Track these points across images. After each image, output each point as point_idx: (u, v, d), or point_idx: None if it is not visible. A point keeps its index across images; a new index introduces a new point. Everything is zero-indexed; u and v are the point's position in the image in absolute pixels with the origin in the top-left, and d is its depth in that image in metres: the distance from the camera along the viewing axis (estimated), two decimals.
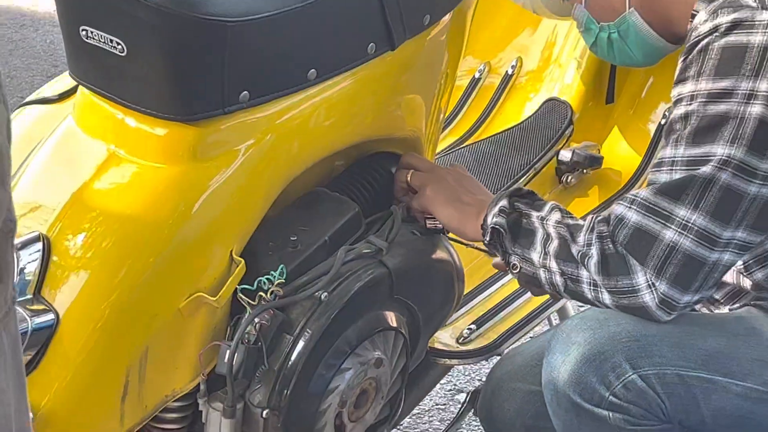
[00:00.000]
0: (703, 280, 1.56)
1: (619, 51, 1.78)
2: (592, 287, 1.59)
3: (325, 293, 1.55)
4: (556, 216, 1.63)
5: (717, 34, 1.57)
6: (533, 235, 1.63)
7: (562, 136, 2.23)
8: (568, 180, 2.21)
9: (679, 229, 1.55)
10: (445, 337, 1.90)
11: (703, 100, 1.56)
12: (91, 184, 1.49)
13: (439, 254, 1.72)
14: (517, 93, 2.32)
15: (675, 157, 1.57)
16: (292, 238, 1.58)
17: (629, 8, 1.74)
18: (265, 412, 1.54)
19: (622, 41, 1.77)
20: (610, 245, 1.58)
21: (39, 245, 1.45)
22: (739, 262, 1.66)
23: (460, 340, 1.91)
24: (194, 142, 1.47)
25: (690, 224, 1.54)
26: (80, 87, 1.54)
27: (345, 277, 1.58)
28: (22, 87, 3.96)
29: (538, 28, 2.34)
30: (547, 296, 1.97)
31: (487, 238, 1.66)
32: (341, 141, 1.64)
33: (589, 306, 1.66)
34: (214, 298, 1.49)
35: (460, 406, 2.06)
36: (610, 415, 1.57)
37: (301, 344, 1.54)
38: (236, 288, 1.52)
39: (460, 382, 2.51)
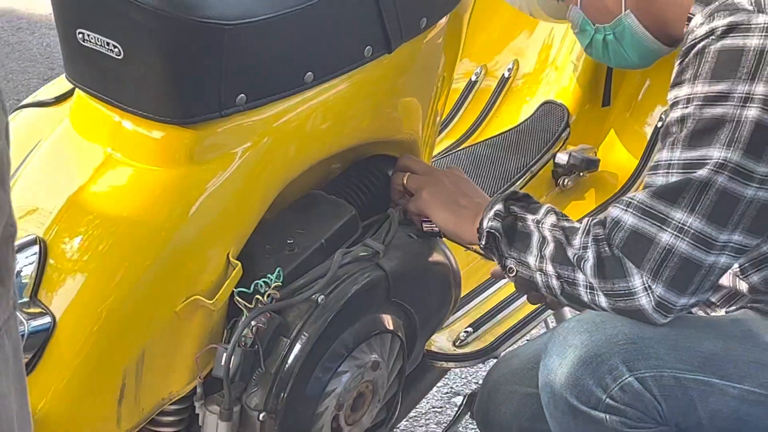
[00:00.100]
0: (700, 283, 1.56)
1: (614, 53, 1.79)
2: (588, 290, 1.60)
3: (322, 296, 1.56)
4: (551, 219, 1.63)
5: (713, 37, 1.57)
6: (529, 239, 1.63)
7: (559, 138, 2.23)
8: (565, 183, 2.21)
9: (675, 232, 1.55)
10: (441, 340, 1.90)
11: (700, 103, 1.56)
12: (88, 187, 1.49)
13: (436, 257, 1.72)
14: (514, 96, 2.32)
15: (671, 160, 1.57)
16: (288, 241, 1.58)
17: (625, 10, 1.74)
18: (261, 415, 1.54)
19: (618, 43, 1.77)
20: (606, 248, 1.58)
21: (36, 248, 1.45)
22: (735, 265, 1.66)
23: (456, 343, 1.91)
24: (191, 144, 1.48)
25: (686, 227, 1.55)
26: (77, 90, 1.54)
27: (342, 280, 1.58)
28: (18, 90, 3.97)
29: (534, 31, 2.34)
30: None
31: (483, 242, 1.66)
32: (338, 144, 1.64)
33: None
34: (211, 301, 1.49)
35: (456, 409, 2.06)
36: (607, 417, 1.57)
37: (297, 347, 1.54)
38: (233, 291, 1.52)
39: (457, 385, 2.51)
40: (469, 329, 1.93)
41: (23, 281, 1.45)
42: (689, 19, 1.65)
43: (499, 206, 1.66)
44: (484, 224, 1.66)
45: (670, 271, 1.55)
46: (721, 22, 1.57)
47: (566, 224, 1.62)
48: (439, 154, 2.22)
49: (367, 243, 1.63)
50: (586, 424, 1.58)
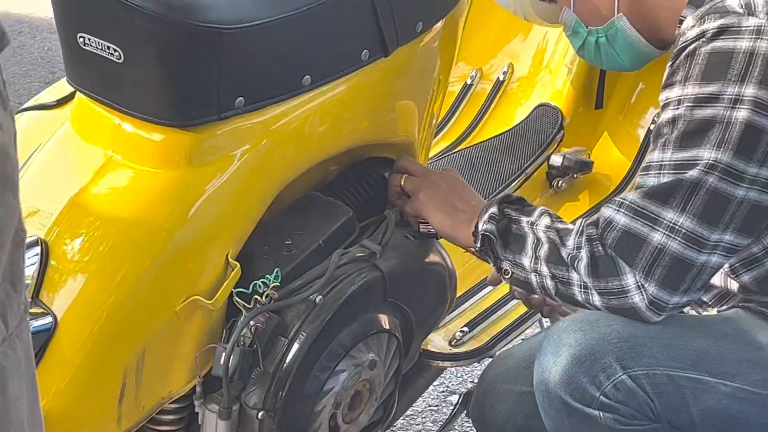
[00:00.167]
0: (691, 282, 1.57)
1: (607, 55, 1.79)
2: (582, 289, 1.60)
3: (320, 296, 1.56)
4: (545, 221, 1.64)
5: (704, 39, 1.58)
6: (524, 240, 1.64)
7: (553, 141, 2.24)
8: (559, 184, 2.22)
9: (666, 232, 1.55)
10: (437, 340, 1.90)
11: (690, 104, 1.57)
12: (89, 188, 1.49)
13: (432, 258, 1.73)
14: (509, 99, 2.33)
15: (663, 161, 1.57)
16: (287, 242, 1.58)
17: (618, 13, 1.74)
18: (260, 414, 1.54)
19: (610, 46, 1.77)
20: (600, 248, 1.58)
21: (37, 249, 1.45)
22: (726, 265, 1.67)
23: (452, 343, 1.91)
24: (190, 147, 1.48)
25: (678, 227, 1.55)
26: (78, 93, 1.54)
27: (339, 281, 1.58)
28: (20, 93, 3.96)
29: (529, 35, 2.34)
30: None
31: (479, 245, 1.67)
32: (335, 146, 1.65)
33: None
34: (210, 302, 1.49)
35: (452, 407, 2.06)
36: (601, 414, 1.57)
37: (296, 347, 1.54)
38: (232, 291, 1.52)
39: (453, 384, 2.51)
40: (465, 329, 1.94)
41: (25, 282, 1.45)
42: (680, 22, 1.65)
43: (493, 209, 1.66)
44: (480, 227, 1.66)
45: (662, 270, 1.55)
46: (711, 25, 1.58)
47: (560, 226, 1.63)
48: (435, 156, 2.23)
49: (364, 244, 1.64)
50: (580, 421, 1.58)
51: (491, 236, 1.65)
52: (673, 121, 1.58)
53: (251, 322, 1.51)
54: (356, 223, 1.66)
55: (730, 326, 1.66)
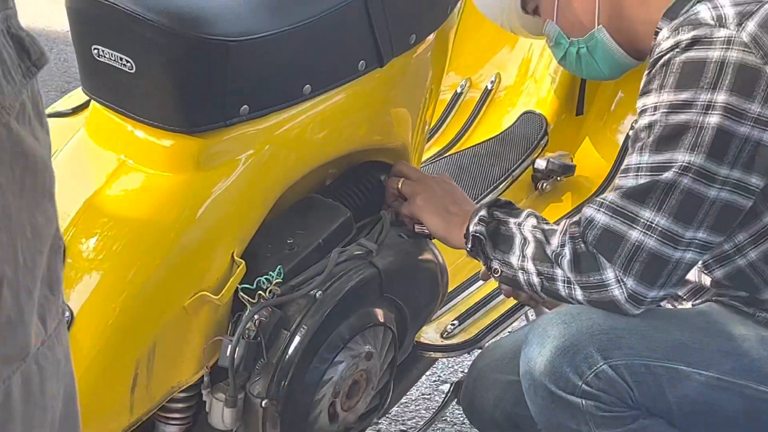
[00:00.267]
0: (668, 277, 1.57)
1: (587, 65, 1.79)
2: (565, 284, 1.60)
3: (320, 292, 1.56)
4: (532, 221, 1.64)
5: (678, 49, 1.58)
6: (511, 240, 1.64)
7: (538, 146, 2.23)
8: (544, 187, 2.22)
9: (644, 230, 1.55)
10: (430, 332, 1.90)
11: (666, 110, 1.57)
12: (103, 191, 1.49)
13: (425, 255, 1.73)
14: (496, 106, 2.33)
15: (640, 163, 1.58)
16: (288, 241, 1.58)
17: (598, 25, 1.74)
18: (264, 402, 1.54)
19: (590, 56, 1.77)
20: (582, 245, 1.58)
21: None
22: (700, 262, 1.67)
23: (444, 335, 1.91)
24: (198, 152, 1.48)
25: (654, 225, 1.55)
26: (92, 101, 1.54)
27: (338, 277, 1.58)
28: None
29: (515, 47, 2.34)
30: None
31: (470, 246, 1.67)
32: (334, 151, 1.65)
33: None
34: (217, 297, 1.49)
35: (444, 395, 2.07)
36: (583, 402, 1.57)
37: (297, 339, 1.54)
38: (237, 287, 1.52)
39: (444, 374, 2.51)
40: (456, 322, 1.93)
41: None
42: (656, 34, 1.66)
43: (483, 212, 1.66)
44: (470, 229, 1.66)
45: (640, 265, 1.56)
46: (685, 36, 1.58)
47: (545, 226, 1.63)
48: (427, 160, 2.23)
49: (362, 243, 1.64)
50: (563, 408, 1.58)
51: (481, 237, 1.65)
52: (649, 126, 1.58)
53: (255, 316, 1.51)
54: (354, 223, 1.66)
55: (704, 319, 1.66)
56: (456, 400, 1.95)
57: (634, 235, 1.56)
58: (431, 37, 1.74)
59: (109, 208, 1.48)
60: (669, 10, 1.66)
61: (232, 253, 1.51)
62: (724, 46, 1.55)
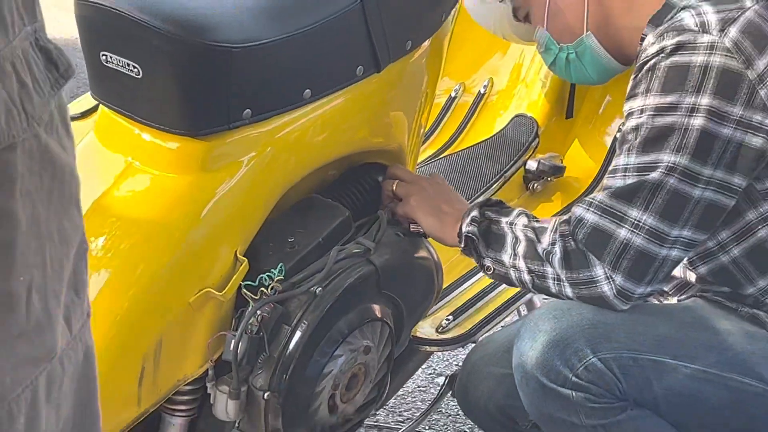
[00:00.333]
0: (654, 274, 1.57)
1: (576, 70, 1.79)
2: (556, 282, 1.60)
3: (320, 288, 1.56)
4: (523, 220, 1.64)
5: (663, 54, 1.58)
6: (503, 239, 1.64)
7: (529, 147, 2.23)
8: (535, 187, 2.22)
9: (631, 228, 1.56)
10: (426, 327, 1.90)
11: (652, 113, 1.57)
12: (111, 192, 1.49)
13: (421, 253, 1.73)
14: (489, 110, 2.33)
15: (627, 164, 1.58)
16: (289, 239, 1.58)
17: (587, 32, 1.74)
18: (266, 395, 1.54)
19: (579, 61, 1.77)
20: (572, 242, 1.58)
21: None
22: (685, 259, 1.67)
23: (439, 330, 1.91)
24: (202, 154, 1.48)
25: (641, 224, 1.55)
26: (101, 106, 1.54)
27: (337, 274, 1.58)
28: None
29: (507, 53, 2.34)
30: (517, 290, 1.98)
31: (462, 245, 1.67)
32: (333, 153, 1.65)
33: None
34: (221, 293, 1.49)
35: (439, 388, 2.06)
36: (573, 393, 1.57)
37: (298, 334, 1.54)
38: (240, 284, 1.52)
39: (440, 367, 2.51)
40: (450, 317, 1.93)
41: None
42: (642, 39, 1.66)
43: (475, 213, 1.66)
44: (463, 229, 1.66)
45: (628, 262, 1.56)
46: (670, 42, 1.58)
47: (536, 224, 1.63)
48: (422, 162, 2.22)
49: (360, 241, 1.64)
50: (554, 399, 1.58)
51: (474, 237, 1.66)
52: (636, 128, 1.58)
53: (258, 312, 1.51)
54: (352, 223, 1.66)
55: (690, 314, 1.67)
56: (451, 392, 1.95)
57: (623, 233, 1.56)
58: (426, 43, 1.74)
59: (117, 208, 1.48)
60: (654, 17, 1.66)
61: (236, 251, 1.51)
62: (708, 51, 1.55)
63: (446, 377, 1.99)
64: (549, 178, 2.22)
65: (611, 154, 2.20)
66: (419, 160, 2.11)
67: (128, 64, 1.43)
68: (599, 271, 1.57)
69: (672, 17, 1.63)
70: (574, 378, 1.57)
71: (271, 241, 1.57)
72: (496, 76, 2.34)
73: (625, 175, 1.57)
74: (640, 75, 1.60)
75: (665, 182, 1.55)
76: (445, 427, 2.30)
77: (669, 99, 1.56)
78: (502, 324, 2.06)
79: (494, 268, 1.65)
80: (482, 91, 2.33)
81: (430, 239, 1.75)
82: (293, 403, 1.56)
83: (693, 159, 1.54)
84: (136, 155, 1.50)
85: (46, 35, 0.87)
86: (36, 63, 0.85)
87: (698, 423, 1.63)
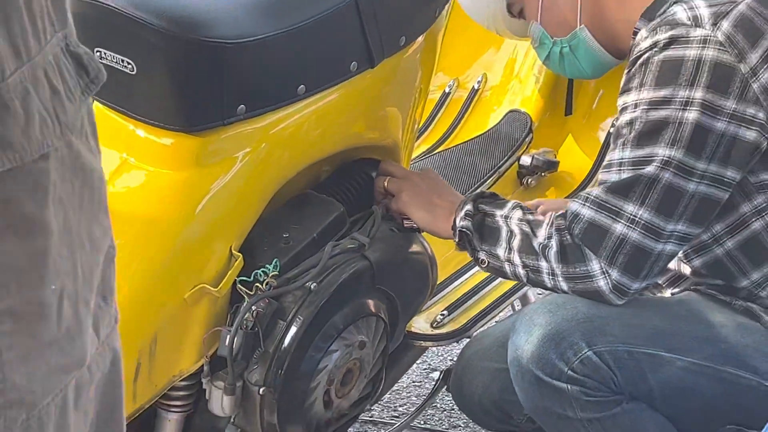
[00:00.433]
0: (650, 269, 1.57)
1: (570, 64, 1.79)
2: (551, 276, 1.60)
3: (315, 284, 1.55)
4: (518, 214, 1.64)
5: (656, 49, 1.58)
6: (498, 233, 1.64)
7: (523, 143, 2.23)
8: (529, 182, 2.22)
9: (627, 223, 1.56)
10: (420, 322, 1.90)
11: (646, 107, 1.57)
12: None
13: (415, 248, 1.73)
14: (483, 105, 2.32)
15: (622, 158, 1.58)
16: (284, 235, 1.58)
17: (580, 25, 1.74)
18: (261, 390, 1.53)
19: (573, 55, 1.77)
20: (568, 237, 1.58)
21: None
22: (680, 252, 1.67)
23: (434, 325, 1.91)
24: (197, 150, 1.47)
25: (637, 218, 1.55)
26: (95, 102, 1.53)
27: (332, 270, 1.58)
28: None
29: (501, 48, 2.34)
30: (511, 285, 1.98)
31: (457, 239, 1.67)
32: (328, 148, 1.64)
33: (548, 292, 1.67)
34: (216, 289, 1.48)
35: (434, 383, 2.06)
36: (569, 387, 1.57)
37: (293, 329, 1.54)
38: (235, 280, 1.52)
39: (434, 362, 2.51)
40: (445, 312, 1.93)
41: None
42: (635, 33, 1.66)
43: (468, 206, 1.66)
44: (457, 223, 1.66)
45: (624, 257, 1.56)
46: (663, 36, 1.58)
47: (531, 218, 1.63)
48: (417, 157, 2.22)
49: (354, 236, 1.63)
50: (550, 393, 1.58)
51: (468, 232, 1.65)
52: (630, 122, 1.58)
53: (253, 308, 1.51)
54: (347, 218, 1.66)
55: (684, 307, 1.67)
56: (446, 387, 1.95)
57: (619, 228, 1.56)
58: (420, 39, 1.74)
59: (112, 204, 1.45)
60: (647, 11, 1.66)
61: (230, 247, 1.51)
62: (701, 45, 1.55)
63: (441, 372, 1.99)
64: (543, 174, 2.22)
65: (605, 149, 2.20)
66: (413, 156, 2.11)
67: (122, 61, 1.43)
68: (595, 265, 1.57)
69: (664, 11, 1.63)
70: (569, 371, 1.57)
71: (266, 236, 1.57)
72: (489, 71, 2.34)
73: (620, 170, 1.57)
74: (633, 69, 1.60)
75: (660, 176, 1.55)
76: (440, 422, 2.30)
77: (663, 93, 1.56)
78: (496, 319, 2.06)
79: (489, 262, 1.65)
80: (476, 87, 2.33)
81: (425, 234, 1.75)
82: (288, 399, 1.56)
83: (687, 153, 1.54)
84: (131, 151, 1.49)
85: (76, 40, 0.87)
86: (67, 69, 0.84)
87: (693, 416, 1.63)
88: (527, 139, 2.24)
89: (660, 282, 1.77)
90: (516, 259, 1.62)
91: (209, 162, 1.48)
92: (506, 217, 1.64)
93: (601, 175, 1.61)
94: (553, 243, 1.58)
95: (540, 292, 2.13)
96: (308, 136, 1.59)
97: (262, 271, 1.52)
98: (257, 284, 1.52)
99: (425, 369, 2.49)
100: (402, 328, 1.76)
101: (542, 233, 1.60)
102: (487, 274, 1.94)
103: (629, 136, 1.58)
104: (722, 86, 1.54)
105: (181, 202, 1.47)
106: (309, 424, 1.61)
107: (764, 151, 1.58)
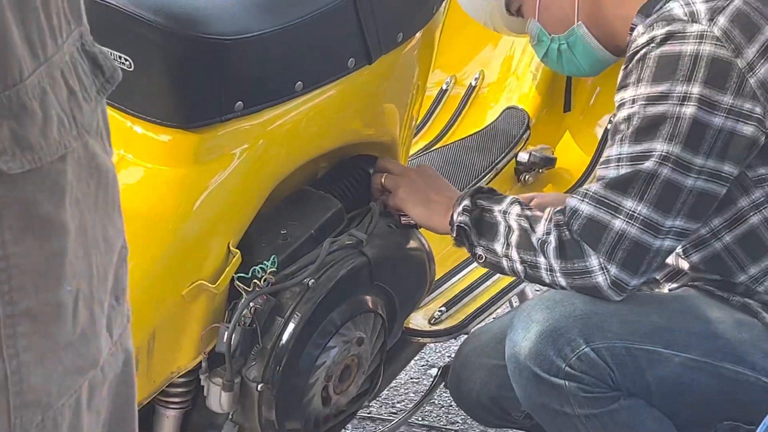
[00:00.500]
0: (648, 264, 1.57)
1: (568, 61, 1.79)
2: (548, 272, 1.60)
3: (312, 280, 1.55)
4: (516, 209, 1.63)
5: (653, 44, 1.58)
6: (496, 228, 1.64)
7: (520, 139, 2.23)
8: (526, 179, 2.21)
9: (626, 219, 1.55)
10: (418, 319, 1.90)
11: (643, 102, 1.57)
12: None
13: (413, 245, 1.72)
14: (480, 102, 2.32)
15: (621, 154, 1.58)
16: (282, 232, 1.58)
17: (577, 21, 1.74)
18: (259, 386, 1.53)
19: (570, 52, 1.77)
20: (567, 232, 1.58)
21: None
22: (678, 247, 1.67)
23: (431, 321, 1.91)
24: (195, 147, 1.47)
25: (636, 214, 1.55)
26: None
27: (330, 266, 1.58)
28: None
29: (498, 45, 2.34)
30: (509, 281, 1.97)
31: (454, 235, 1.67)
32: (325, 145, 1.64)
33: (545, 289, 1.67)
34: (214, 286, 1.48)
35: (432, 379, 2.06)
36: (566, 383, 1.57)
37: (291, 325, 1.53)
38: (233, 276, 1.51)
39: (432, 359, 2.51)
40: (443, 308, 1.93)
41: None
42: (632, 30, 1.66)
43: (466, 202, 1.66)
44: (455, 219, 1.66)
45: (623, 253, 1.55)
46: (659, 31, 1.58)
47: (529, 213, 1.63)
48: (414, 154, 2.22)
49: (352, 233, 1.63)
50: (547, 390, 1.58)
51: (466, 227, 1.65)
52: (628, 118, 1.58)
53: (251, 304, 1.51)
54: (344, 215, 1.66)
55: (681, 303, 1.67)
56: (443, 383, 1.94)
57: (618, 223, 1.55)
58: (418, 35, 1.73)
59: None
60: (643, 7, 1.66)
61: (228, 243, 1.51)
62: (698, 40, 1.55)
63: (439, 369, 1.99)
64: (540, 170, 2.22)
65: (602, 145, 2.20)
66: (411, 153, 2.10)
67: (119, 57, 1.43)
68: (594, 261, 1.56)
69: (661, 7, 1.63)
70: (567, 368, 1.56)
71: (264, 233, 1.57)
72: (487, 68, 2.34)
73: (618, 165, 1.57)
74: (630, 65, 1.60)
75: (659, 172, 1.54)
76: (438, 418, 2.30)
77: (660, 88, 1.55)
78: (494, 315, 2.06)
79: (486, 257, 1.65)
80: (473, 84, 2.33)
81: (422, 230, 1.75)
82: (286, 395, 1.55)
83: (685, 148, 1.54)
84: (129, 148, 1.49)
85: (91, 39, 0.86)
86: (83, 69, 0.84)
87: (690, 411, 1.63)
88: (524, 136, 2.24)
89: (658, 278, 1.77)
90: (514, 254, 1.61)
91: (207, 158, 1.48)
92: (504, 213, 1.63)
93: (599, 171, 1.61)
94: (552, 239, 1.58)
95: (538, 289, 2.13)
96: (306, 133, 1.59)
97: (260, 268, 1.52)
98: (255, 281, 1.52)
99: (423, 365, 2.48)
100: (400, 324, 1.76)
101: (541, 229, 1.59)
102: (485, 270, 1.94)
103: (627, 132, 1.57)
104: (719, 81, 1.54)
105: (178, 199, 1.47)
106: (307, 420, 1.61)
107: (762, 145, 1.58)
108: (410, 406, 2.23)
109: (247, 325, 1.51)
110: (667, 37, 1.57)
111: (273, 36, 1.48)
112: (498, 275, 1.96)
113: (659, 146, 1.54)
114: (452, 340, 2.18)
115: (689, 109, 1.54)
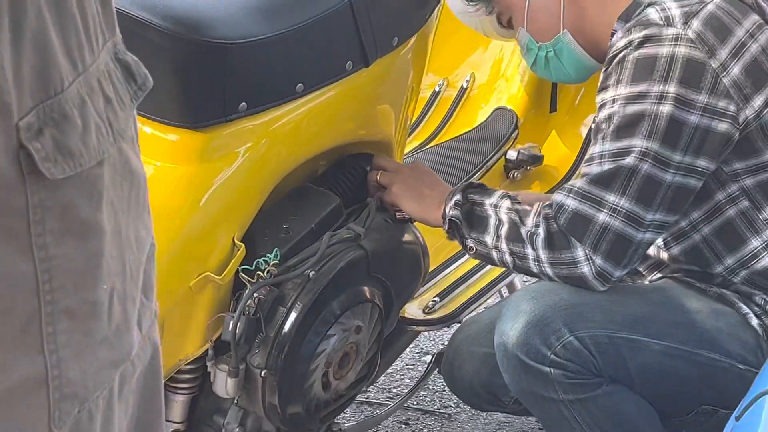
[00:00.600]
0: (631, 257, 1.58)
1: (555, 68, 1.79)
2: (536, 263, 1.60)
3: (313, 272, 1.56)
4: (506, 203, 1.64)
5: (631, 47, 1.58)
6: (486, 221, 1.64)
7: (509, 138, 2.23)
8: (515, 176, 2.21)
9: (610, 212, 1.56)
10: (413, 308, 1.90)
11: (623, 102, 1.57)
12: None
13: (408, 238, 1.73)
14: (471, 103, 2.32)
15: (603, 151, 1.58)
16: (284, 226, 1.58)
17: (563, 29, 1.74)
18: (263, 373, 1.54)
19: (557, 59, 1.77)
20: (554, 225, 1.58)
21: None
22: (660, 239, 1.68)
23: (426, 311, 1.91)
24: (201, 145, 1.47)
25: (619, 208, 1.56)
26: None
27: (329, 258, 1.58)
28: None
29: (488, 48, 2.34)
30: (499, 272, 1.98)
31: (446, 228, 1.67)
32: (325, 144, 1.64)
33: (534, 280, 1.67)
34: (220, 277, 1.48)
35: (426, 365, 2.06)
36: (552, 371, 1.58)
37: (293, 315, 1.54)
38: (238, 268, 1.52)
39: (427, 346, 2.51)
40: (437, 298, 1.93)
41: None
42: (612, 34, 1.66)
43: (458, 196, 1.66)
44: (447, 212, 1.66)
45: (607, 245, 1.56)
46: (637, 35, 1.59)
47: (519, 207, 1.63)
48: (409, 152, 2.22)
49: (350, 227, 1.63)
50: (534, 376, 1.59)
51: (457, 220, 1.65)
52: (609, 117, 1.59)
53: (255, 294, 1.51)
54: (343, 210, 1.66)
55: (661, 294, 1.67)
56: (437, 369, 1.94)
57: (601, 217, 1.56)
58: (412, 39, 1.74)
59: None
60: (623, 13, 1.66)
61: (233, 237, 1.51)
62: (673, 43, 1.56)
63: (433, 355, 1.99)
64: (528, 167, 2.22)
65: (587, 144, 2.20)
66: (406, 151, 2.11)
67: None
68: (580, 252, 1.57)
69: (639, 13, 1.63)
70: (552, 356, 1.57)
71: (267, 227, 1.57)
72: (477, 71, 2.34)
73: (601, 162, 1.58)
74: (610, 68, 1.61)
75: (639, 167, 1.55)
76: (432, 402, 2.30)
77: (638, 88, 1.56)
78: (485, 305, 2.06)
79: (477, 249, 1.65)
80: (464, 86, 2.33)
81: (417, 224, 1.75)
82: (289, 381, 1.56)
83: (663, 144, 1.55)
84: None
85: (124, 47, 0.86)
86: (117, 77, 0.84)
87: (670, 397, 1.63)
88: (513, 135, 2.24)
89: (640, 269, 1.77)
90: (503, 246, 1.62)
91: (213, 157, 1.48)
92: (495, 206, 1.64)
93: (583, 168, 1.61)
94: (541, 231, 1.58)
95: (526, 280, 2.13)
96: (306, 132, 1.59)
97: (263, 260, 1.52)
98: (259, 272, 1.52)
99: (418, 352, 2.49)
100: (396, 313, 1.76)
101: (530, 221, 1.60)
102: (477, 262, 1.94)
103: (608, 130, 1.58)
104: (694, 81, 1.55)
105: (186, 195, 1.47)
106: (308, 404, 1.61)
107: (736, 142, 1.59)
108: (406, 391, 2.23)
109: (252, 315, 1.51)
110: (644, 41, 1.57)
111: (275, 40, 1.48)
112: (488, 267, 1.96)
113: (639, 143, 1.55)
114: (445, 329, 2.19)
115: (666, 108, 1.55)
